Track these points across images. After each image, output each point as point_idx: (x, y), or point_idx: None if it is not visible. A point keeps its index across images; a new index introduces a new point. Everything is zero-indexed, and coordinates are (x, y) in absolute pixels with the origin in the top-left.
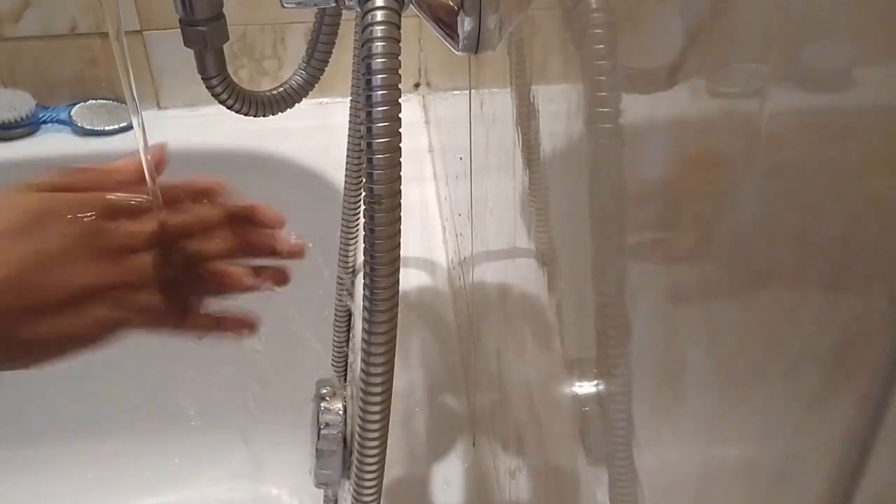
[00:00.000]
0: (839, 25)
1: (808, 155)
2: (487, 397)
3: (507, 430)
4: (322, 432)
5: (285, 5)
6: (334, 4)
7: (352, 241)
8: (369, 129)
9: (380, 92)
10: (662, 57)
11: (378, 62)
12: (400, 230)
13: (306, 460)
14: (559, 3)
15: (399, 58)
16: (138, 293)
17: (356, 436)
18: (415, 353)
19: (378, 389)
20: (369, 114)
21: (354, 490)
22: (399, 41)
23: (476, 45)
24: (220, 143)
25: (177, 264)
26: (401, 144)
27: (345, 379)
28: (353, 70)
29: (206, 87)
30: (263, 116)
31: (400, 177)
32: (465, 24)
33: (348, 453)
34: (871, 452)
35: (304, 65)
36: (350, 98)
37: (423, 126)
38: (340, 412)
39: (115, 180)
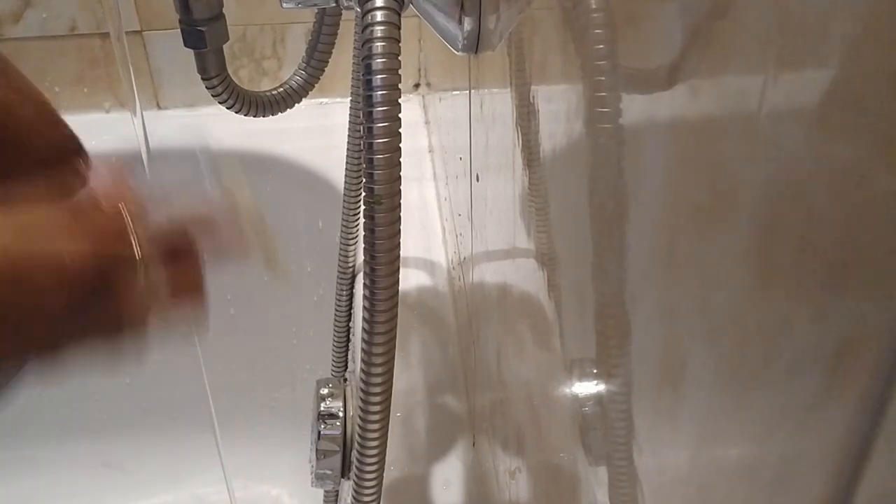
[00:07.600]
0: (839, 25)
1: (808, 155)
2: (487, 397)
3: (507, 430)
4: (322, 432)
5: (285, 5)
6: (334, 4)
7: (352, 241)
8: (369, 129)
9: (379, 92)
10: (662, 57)
11: (378, 62)
12: (400, 230)
13: (306, 460)
14: (559, 3)
15: (399, 58)
16: None
17: (356, 436)
18: (415, 353)
19: (378, 389)
20: (369, 114)
21: (354, 490)
22: (399, 41)
23: (476, 45)
24: (220, 143)
25: None
26: (400, 144)
27: (345, 379)
28: (353, 70)
29: (206, 88)
30: (263, 117)
31: (400, 177)
32: (465, 24)
33: (348, 453)
34: (871, 452)
35: (304, 65)
36: (350, 98)
37: (422, 126)
38: (340, 412)
39: None
